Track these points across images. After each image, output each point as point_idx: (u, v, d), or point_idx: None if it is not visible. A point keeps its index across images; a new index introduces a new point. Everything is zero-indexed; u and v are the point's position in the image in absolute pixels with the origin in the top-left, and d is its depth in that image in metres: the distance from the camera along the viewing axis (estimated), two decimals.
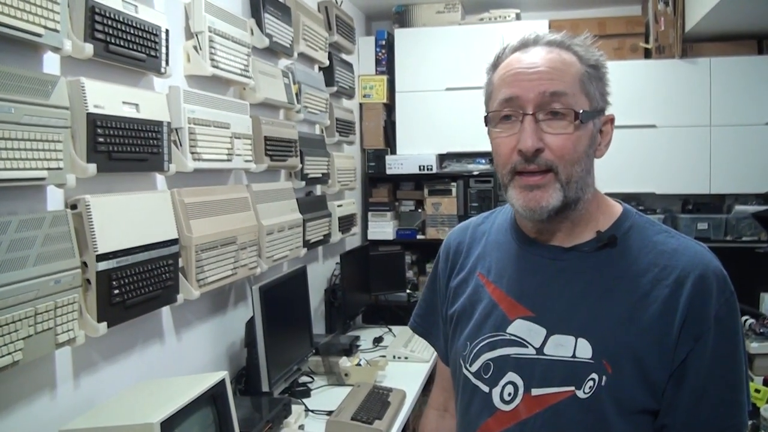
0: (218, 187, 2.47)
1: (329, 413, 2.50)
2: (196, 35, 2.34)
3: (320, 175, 3.47)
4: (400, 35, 4.59)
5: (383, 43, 4.68)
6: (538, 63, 1.16)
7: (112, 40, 1.84)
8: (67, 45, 1.68)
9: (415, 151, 4.55)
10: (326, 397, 2.79)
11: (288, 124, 3.06)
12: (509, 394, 1.19)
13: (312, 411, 2.60)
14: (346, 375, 2.93)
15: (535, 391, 1.16)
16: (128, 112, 1.92)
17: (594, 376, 1.11)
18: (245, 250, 2.53)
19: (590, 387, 1.11)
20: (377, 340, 3.66)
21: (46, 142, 1.59)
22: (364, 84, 4.65)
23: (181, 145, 2.20)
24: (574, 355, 1.13)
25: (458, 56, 4.42)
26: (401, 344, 3.43)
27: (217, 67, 2.39)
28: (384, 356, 3.28)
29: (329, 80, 3.78)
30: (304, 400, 2.69)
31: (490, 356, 1.23)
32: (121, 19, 1.87)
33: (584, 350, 1.13)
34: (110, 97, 1.85)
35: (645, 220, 1.23)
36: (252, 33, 2.80)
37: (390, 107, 4.76)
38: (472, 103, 4.70)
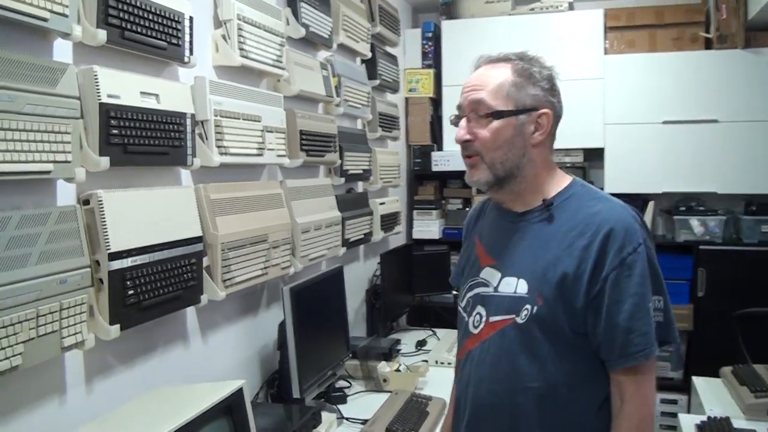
0: (248, 183, 2.36)
1: (364, 422, 2.37)
2: (225, 23, 2.23)
3: (361, 172, 3.34)
4: (448, 27, 4.43)
5: (430, 35, 4.53)
6: (474, 78, 1.55)
7: (129, 27, 1.73)
8: (77, 30, 1.58)
9: None
10: (363, 403, 2.66)
11: (326, 118, 2.94)
12: (477, 321, 1.58)
13: (346, 419, 2.48)
14: (384, 381, 2.80)
15: (491, 319, 1.54)
16: (147, 102, 1.82)
17: (528, 306, 1.47)
18: (277, 248, 2.42)
19: (525, 315, 1.47)
20: (420, 344, 3.52)
21: (52, 133, 1.50)
22: (409, 78, 4.51)
23: (207, 138, 2.10)
24: (515, 292, 1.50)
25: (508, 48, 4.18)
26: (445, 349, 3.28)
27: (246, 57, 2.27)
28: (426, 361, 3.13)
29: (372, 73, 3.65)
30: (340, 407, 2.57)
31: (469, 294, 1.64)
32: (138, 5, 1.76)
33: (522, 288, 1.49)
34: (127, 86, 1.74)
35: (585, 190, 1.56)
36: (288, 23, 2.69)
37: (437, 102, 4.61)
38: None
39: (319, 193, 2.85)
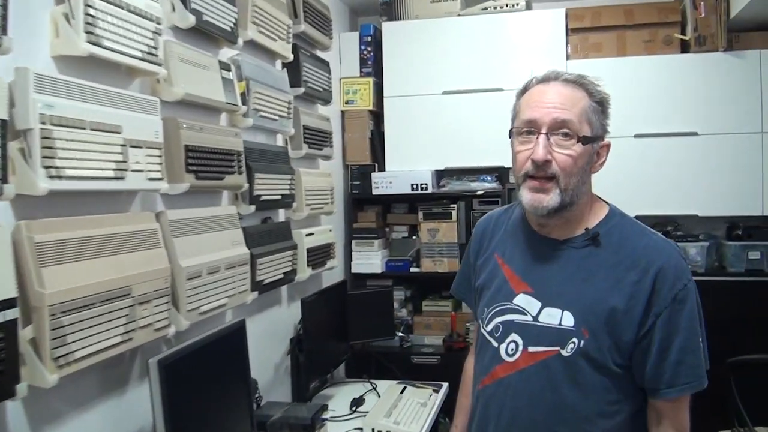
0: (102, 217, 1.73)
1: None
2: None
3: (279, 198, 2.74)
4: (389, 30, 3.90)
5: (369, 39, 3.98)
6: (555, 95, 1.49)
7: None
8: None
9: (407, 167, 3.84)
10: None
11: (227, 132, 2.33)
12: (512, 349, 1.54)
13: None
14: None
15: (531, 349, 1.51)
16: None
17: (575, 339, 1.46)
18: (147, 303, 1.80)
19: (571, 348, 1.46)
20: (356, 403, 2.92)
21: None
22: (346, 88, 3.95)
23: (30, 155, 1.48)
24: (560, 323, 1.49)
25: (458, 54, 3.75)
26: (383, 412, 2.68)
27: (97, 45, 1.67)
28: (360, 430, 2.54)
29: (295, 80, 3.06)
30: None
31: (499, 320, 1.58)
32: None
33: (568, 320, 1.48)
34: None
35: (626, 221, 1.57)
36: (173, 8, 2.10)
37: (378, 115, 4.05)
38: (474, 109, 3.96)
39: (217, 226, 2.24)
